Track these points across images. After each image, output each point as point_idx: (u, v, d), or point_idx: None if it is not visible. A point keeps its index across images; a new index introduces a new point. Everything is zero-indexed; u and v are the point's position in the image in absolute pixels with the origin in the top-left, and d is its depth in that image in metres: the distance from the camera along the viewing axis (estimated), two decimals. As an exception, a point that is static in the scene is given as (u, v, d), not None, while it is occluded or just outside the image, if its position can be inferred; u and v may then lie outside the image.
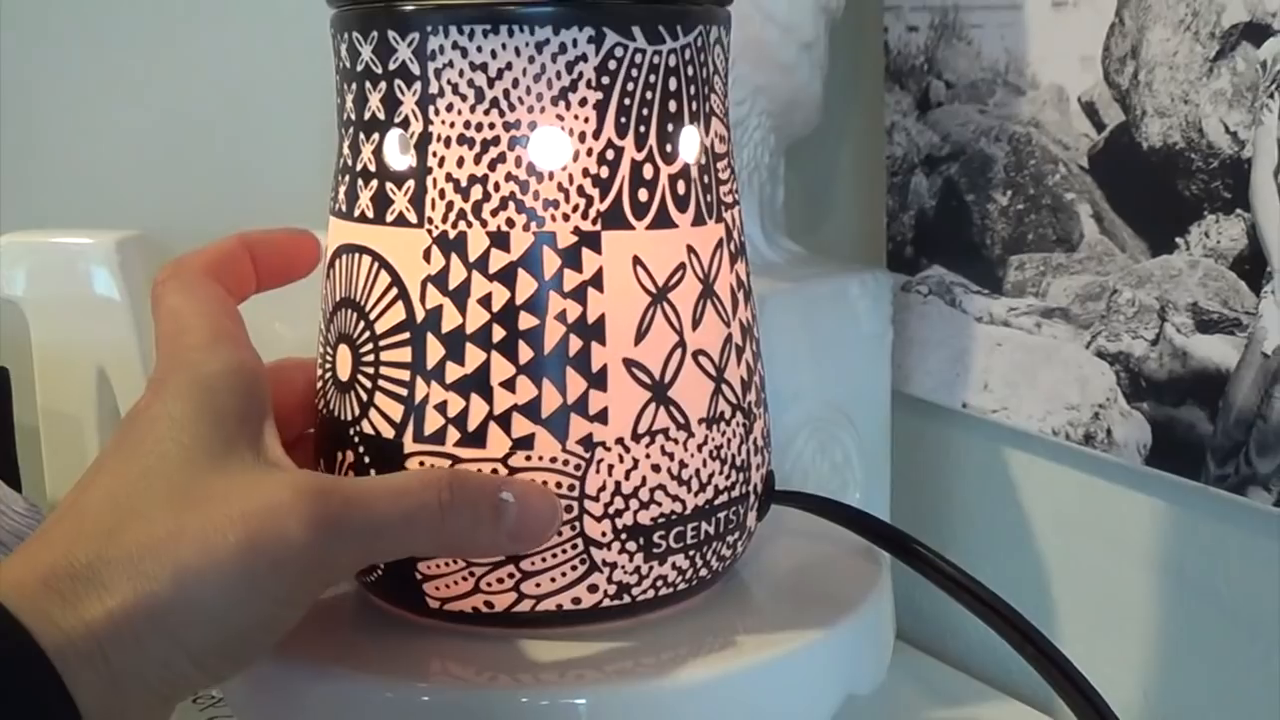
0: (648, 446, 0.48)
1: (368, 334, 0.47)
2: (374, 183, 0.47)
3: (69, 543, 0.41)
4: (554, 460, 0.47)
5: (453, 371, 0.46)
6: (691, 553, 0.50)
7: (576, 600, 0.48)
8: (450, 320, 0.46)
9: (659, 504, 0.48)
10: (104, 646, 0.40)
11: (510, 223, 0.46)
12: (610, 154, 0.47)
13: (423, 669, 0.48)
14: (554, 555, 0.47)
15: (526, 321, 0.46)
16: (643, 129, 0.47)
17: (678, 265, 0.48)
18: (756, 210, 0.86)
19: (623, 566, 0.48)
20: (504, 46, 0.45)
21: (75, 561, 0.41)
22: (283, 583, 0.43)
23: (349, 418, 0.48)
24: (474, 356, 0.46)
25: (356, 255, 0.48)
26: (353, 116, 0.48)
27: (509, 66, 0.45)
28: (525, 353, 0.46)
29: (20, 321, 0.90)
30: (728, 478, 0.50)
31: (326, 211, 0.51)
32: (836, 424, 0.85)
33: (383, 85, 0.47)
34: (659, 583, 0.49)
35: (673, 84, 0.48)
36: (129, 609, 0.40)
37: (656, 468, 0.48)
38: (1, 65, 1.11)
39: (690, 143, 0.49)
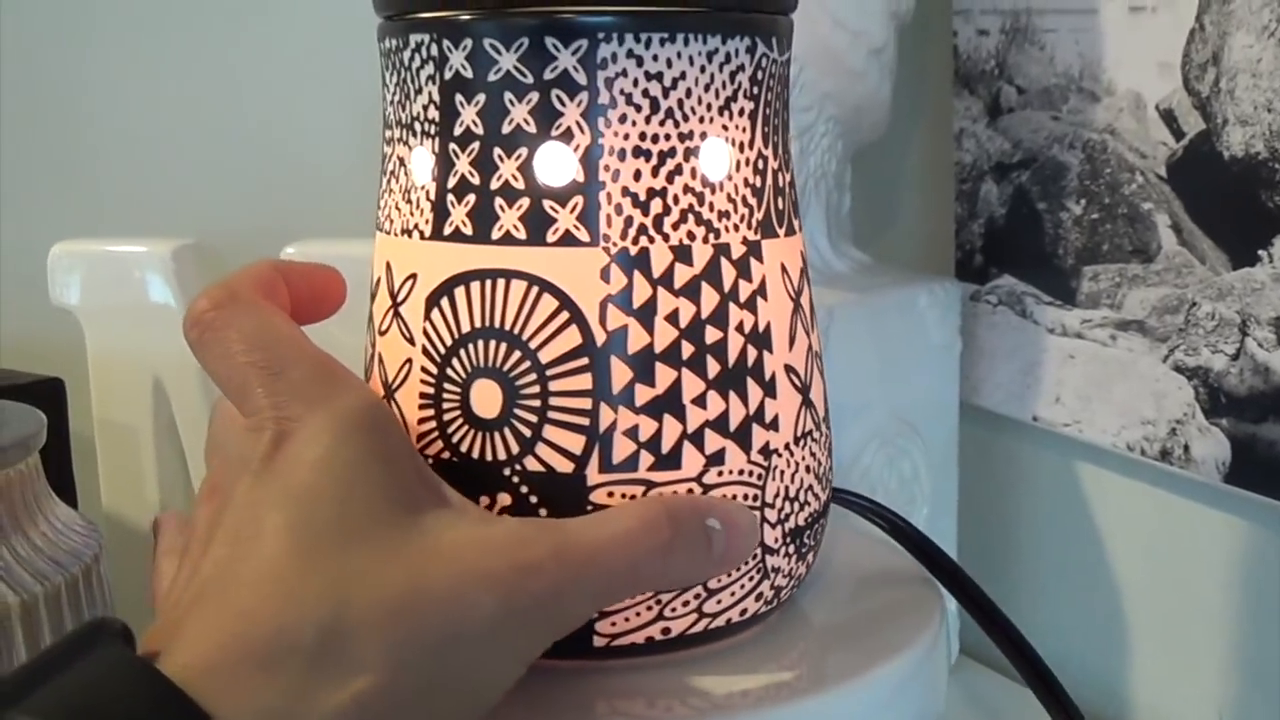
0: (803, 449, 0.48)
1: (527, 364, 0.44)
2: (523, 201, 0.44)
3: (280, 611, 0.36)
4: (741, 473, 0.46)
5: (643, 393, 0.45)
6: (817, 548, 0.51)
7: (744, 611, 0.48)
8: (637, 340, 0.44)
9: (809, 504, 0.49)
10: None
11: (691, 236, 0.45)
12: (760, 163, 0.47)
13: (589, 712, 0.45)
14: (739, 569, 0.47)
15: (712, 335, 0.45)
16: (776, 138, 0.48)
17: (801, 270, 0.49)
18: (823, 219, 0.84)
19: (783, 570, 0.48)
20: (679, 55, 0.44)
21: (303, 637, 0.36)
22: (529, 643, 0.40)
23: (501, 457, 0.45)
24: (665, 376, 0.45)
25: (499, 281, 0.44)
26: (476, 130, 0.44)
27: (683, 76, 0.44)
28: (713, 367, 0.45)
29: (75, 331, 0.90)
30: (833, 472, 0.52)
31: (394, 235, 0.48)
32: (904, 437, 0.84)
33: (533, 96, 0.44)
34: (794, 582, 0.50)
35: (787, 94, 0.49)
36: (386, 689, 0.36)
37: (809, 469, 0.49)
38: (54, 75, 1.10)
39: (791, 152, 0.50)
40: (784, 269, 0.48)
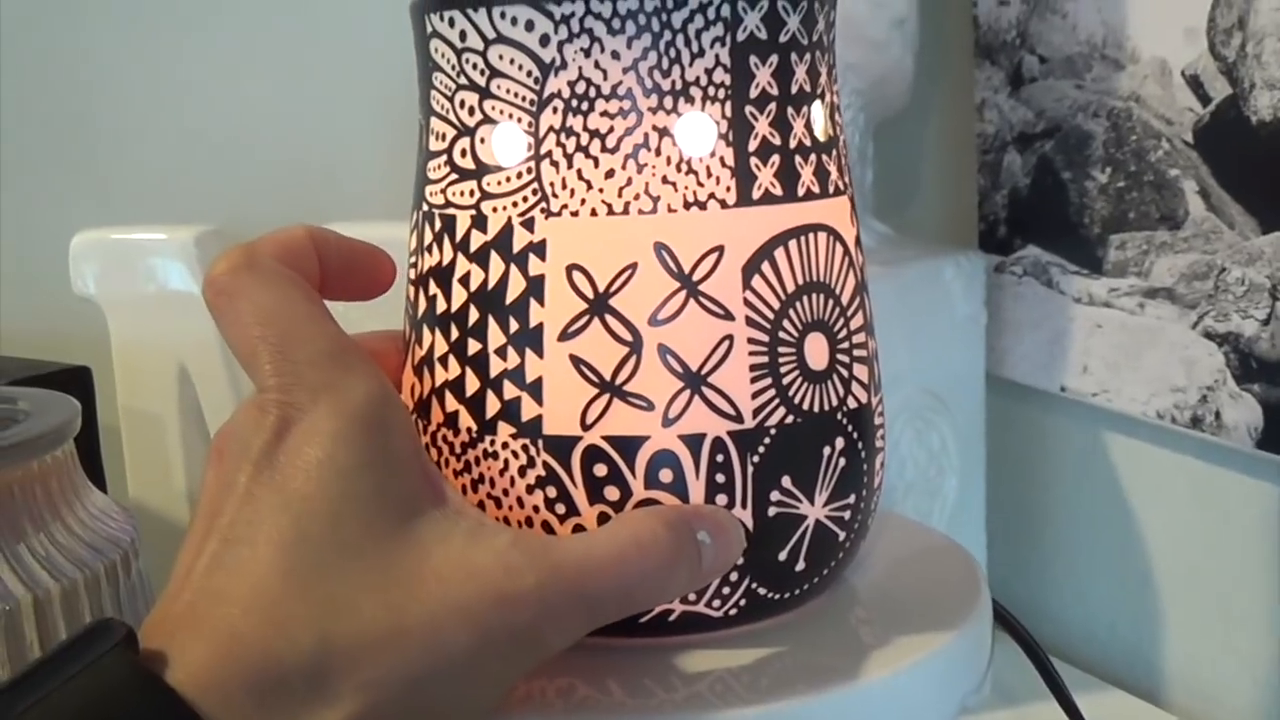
0: None
1: (837, 311, 0.47)
2: (813, 157, 0.47)
3: (269, 639, 0.36)
4: None
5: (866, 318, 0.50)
6: None
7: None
8: (864, 271, 0.50)
9: None
10: None
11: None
12: None
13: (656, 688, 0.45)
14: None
15: None
16: None
17: None
18: (846, 192, 0.84)
19: None
20: None
21: (288, 668, 0.36)
22: (510, 670, 0.39)
23: (833, 404, 0.47)
24: (866, 301, 0.50)
25: (808, 236, 0.47)
26: (772, 91, 0.46)
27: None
28: None
29: (99, 321, 0.90)
30: None
31: (663, 212, 0.45)
32: (932, 409, 0.84)
33: (808, 57, 0.47)
34: None
35: None
36: (364, 719, 0.36)
37: None
38: (70, 64, 1.10)
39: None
40: None
